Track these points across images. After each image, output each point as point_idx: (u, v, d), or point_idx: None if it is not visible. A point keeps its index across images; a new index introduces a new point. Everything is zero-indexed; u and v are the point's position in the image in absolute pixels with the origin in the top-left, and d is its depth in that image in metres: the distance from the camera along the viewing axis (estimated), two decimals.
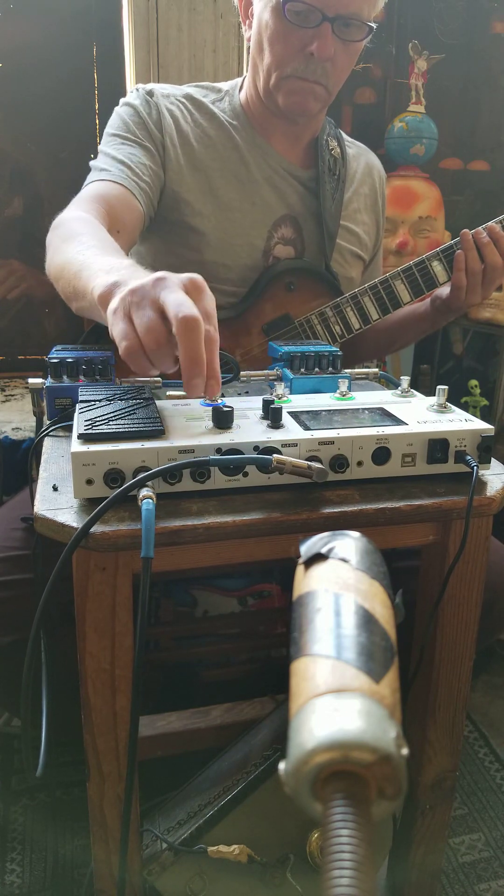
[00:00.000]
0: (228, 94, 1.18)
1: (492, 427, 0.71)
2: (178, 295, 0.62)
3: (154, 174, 1.10)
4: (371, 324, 1.14)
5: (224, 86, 1.20)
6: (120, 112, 1.13)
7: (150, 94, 1.13)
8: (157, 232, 1.15)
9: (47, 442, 0.78)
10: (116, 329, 0.65)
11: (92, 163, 1.11)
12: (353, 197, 1.24)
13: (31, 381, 0.84)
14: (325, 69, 1.05)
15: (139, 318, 0.63)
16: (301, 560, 0.44)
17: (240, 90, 1.18)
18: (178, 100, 1.14)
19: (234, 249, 1.14)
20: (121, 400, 0.74)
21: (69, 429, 0.77)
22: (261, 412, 0.73)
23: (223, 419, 0.69)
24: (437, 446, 0.70)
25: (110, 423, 0.66)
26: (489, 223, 1.12)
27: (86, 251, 0.83)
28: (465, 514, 0.67)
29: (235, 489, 0.67)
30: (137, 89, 1.14)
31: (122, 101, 1.15)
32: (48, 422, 0.82)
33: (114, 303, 0.66)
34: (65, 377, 0.84)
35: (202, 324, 0.61)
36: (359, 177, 1.26)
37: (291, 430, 0.69)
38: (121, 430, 0.65)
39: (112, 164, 1.07)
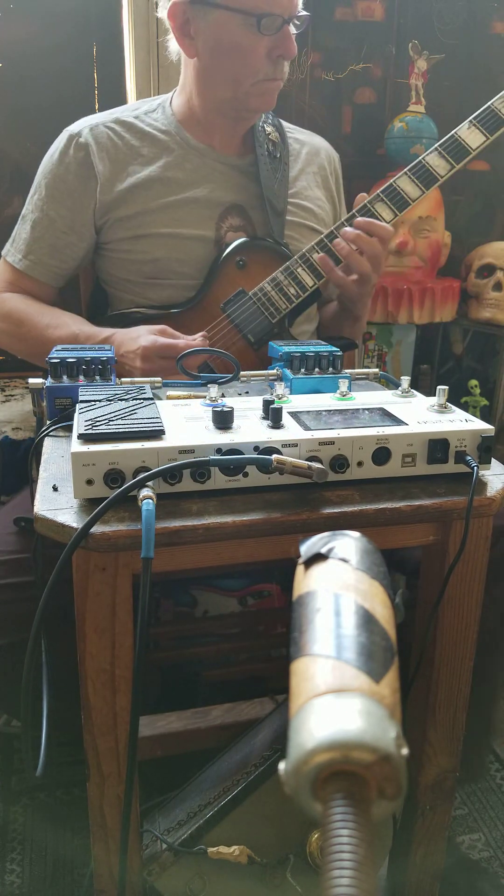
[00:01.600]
0: (161, 107, 1.24)
1: (492, 427, 0.71)
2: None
3: (80, 240, 1.20)
4: (323, 278, 1.16)
5: (157, 100, 1.26)
6: (57, 172, 1.18)
7: (79, 135, 1.18)
8: (109, 248, 1.20)
9: (47, 442, 0.78)
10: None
11: (19, 230, 1.21)
12: (299, 175, 1.29)
13: (31, 381, 0.84)
14: (284, 65, 1.13)
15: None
16: (301, 560, 0.44)
17: (170, 103, 1.24)
18: (106, 127, 1.19)
19: (185, 245, 1.18)
20: (121, 400, 0.74)
21: (69, 429, 0.77)
22: (261, 412, 0.73)
23: (223, 419, 0.69)
24: (438, 446, 0.70)
25: (110, 423, 0.66)
26: (353, 213, 1.16)
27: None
28: (466, 514, 0.67)
29: (235, 489, 0.67)
30: (66, 135, 1.19)
31: (54, 150, 1.20)
32: (48, 422, 0.82)
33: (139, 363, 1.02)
34: (65, 377, 0.84)
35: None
36: (304, 157, 1.31)
37: (292, 431, 0.68)
38: (121, 430, 0.65)
39: (38, 251, 1.19)
